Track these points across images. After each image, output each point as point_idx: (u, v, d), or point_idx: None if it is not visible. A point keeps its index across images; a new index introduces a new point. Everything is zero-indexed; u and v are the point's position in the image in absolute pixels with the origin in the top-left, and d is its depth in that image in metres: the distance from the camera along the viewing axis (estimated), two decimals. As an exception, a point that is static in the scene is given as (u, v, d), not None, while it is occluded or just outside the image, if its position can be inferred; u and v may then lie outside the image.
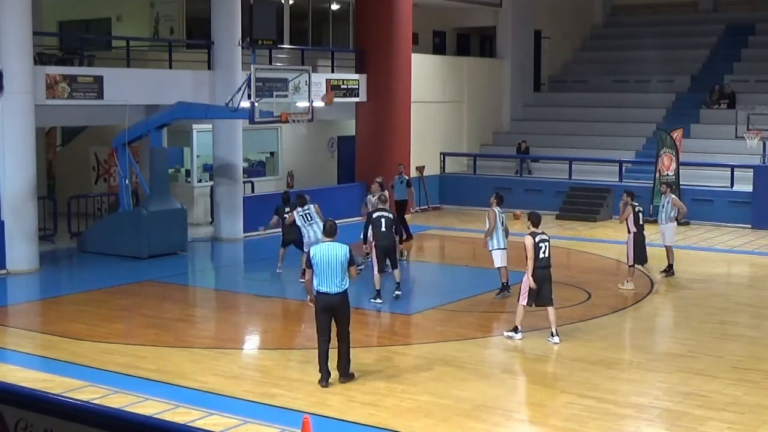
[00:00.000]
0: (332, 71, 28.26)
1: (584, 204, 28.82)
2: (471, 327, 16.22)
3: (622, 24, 39.36)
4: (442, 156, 32.08)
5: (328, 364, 12.51)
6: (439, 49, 36.28)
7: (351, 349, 12.78)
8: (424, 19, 33.16)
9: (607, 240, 24.83)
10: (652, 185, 27.67)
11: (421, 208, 30.34)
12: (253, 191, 26.88)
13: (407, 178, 24.74)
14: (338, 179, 30.56)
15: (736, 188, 27.84)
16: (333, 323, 12.55)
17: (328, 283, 12.31)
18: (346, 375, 12.63)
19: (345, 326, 12.62)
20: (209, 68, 24.57)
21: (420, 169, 30.69)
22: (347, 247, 12.49)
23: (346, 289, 12.47)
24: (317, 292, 12.39)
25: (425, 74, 31.01)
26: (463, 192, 30.73)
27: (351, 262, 12.44)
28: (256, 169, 29.00)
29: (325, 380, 12.47)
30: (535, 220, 14.93)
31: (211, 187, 25.89)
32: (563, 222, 28.03)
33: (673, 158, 27.33)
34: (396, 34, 28.54)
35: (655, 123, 32.14)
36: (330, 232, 12.69)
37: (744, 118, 28.29)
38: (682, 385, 12.85)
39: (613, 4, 40.64)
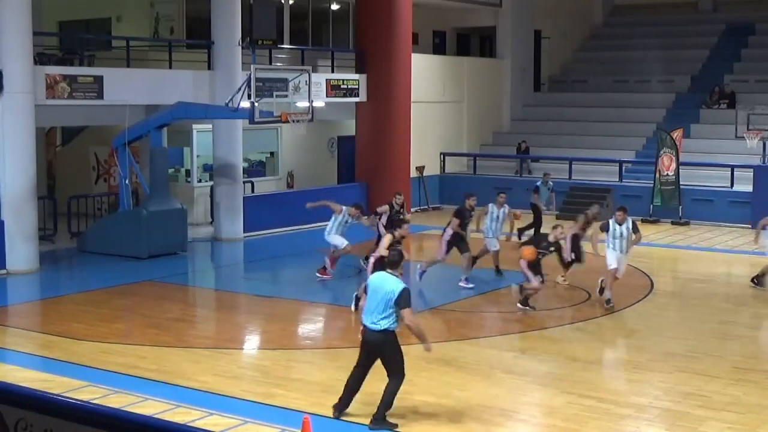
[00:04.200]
0: (332, 71, 28.26)
1: (584, 204, 28.55)
2: (471, 327, 16.23)
3: (622, 24, 39.35)
4: (442, 156, 32.09)
5: (352, 396, 11.37)
6: (439, 49, 36.30)
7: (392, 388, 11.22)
8: (424, 19, 33.18)
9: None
10: (652, 185, 27.70)
11: (421, 208, 30.35)
12: (253, 191, 26.89)
13: (552, 183, 25.18)
14: (338, 179, 30.55)
15: (735, 188, 27.87)
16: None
17: (368, 315, 11.08)
18: (374, 419, 11.15)
19: (390, 369, 11.15)
20: (209, 68, 24.56)
21: (420, 169, 30.69)
22: (402, 287, 10.97)
23: (387, 329, 10.98)
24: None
25: (425, 74, 31.01)
26: (463, 192, 30.66)
27: (400, 302, 10.88)
28: (255, 169, 28.99)
29: (338, 410, 11.35)
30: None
31: (211, 187, 25.89)
32: (563, 222, 27.89)
33: (673, 158, 27.34)
34: (396, 34, 28.52)
35: (655, 123, 32.15)
36: (392, 263, 11.29)
37: (744, 118, 28.31)
38: (682, 385, 12.86)
39: (613, 4, 40.62)
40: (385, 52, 28.41)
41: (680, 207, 27.41)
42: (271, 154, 29.57)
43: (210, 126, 24.96)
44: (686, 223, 26.97)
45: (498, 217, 20.04)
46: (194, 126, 26.43)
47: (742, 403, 12.17)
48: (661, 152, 27.56)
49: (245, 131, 24.77)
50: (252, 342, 15.95)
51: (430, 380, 12.92)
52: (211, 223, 25.86)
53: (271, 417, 11.39)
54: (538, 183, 24.99)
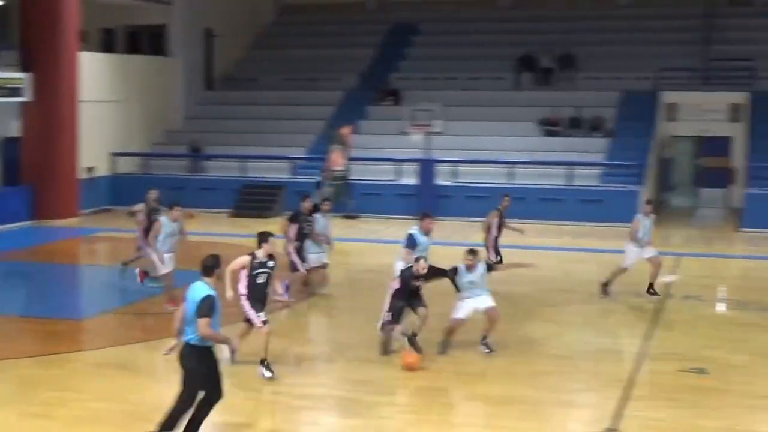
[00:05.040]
0: (-6, 69, 26.98)
1: (257, 201, 29.11)
2: (144, 330, 15.98)
3: (292, 23, 39.85)
4: (112, 156, 31.34)
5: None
6: (108, 46, 35.46)
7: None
8: (93, 15, 32.24)
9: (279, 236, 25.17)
10: (320, 181, 28.45)
11: (92, 210, 29.53)
12: None
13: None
14: (2, 182, 29.16)
15: (402, 181, 29.11)
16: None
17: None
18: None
19: (183, 386, 10.30)
20: None
21: (90, 169, 29.87)
22: (205, 294, 10.00)
23: (188, 342, 10.08)
24: None
25: (94, 73, 30.17)
26: (136, 192, 30.03)
27: (197, 311, 9.95)
28: None
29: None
30: None
31: None
32: (237, 219, 28.14)
33: (343, 154, 28.13)
34: (62, 31, 27.60)
35: (324, 120, 32.90)
36: (205, 269, 10.28)
37: (409, 114, 29.61)
38: (354, 374, 13.28)
39: (283, 4, 41.11)
40: (51, 49, 27.43)
41: (352, 201, 28.26)
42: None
43: None
44: (356, 217, 27.82)
45: (174, 231, 16.93)
46: None
47: (410, 387, 12.75)
48: (331, 148, 28.30)
49: None
50: None
51: (102, 385, 12.65)
52: None
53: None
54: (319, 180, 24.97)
